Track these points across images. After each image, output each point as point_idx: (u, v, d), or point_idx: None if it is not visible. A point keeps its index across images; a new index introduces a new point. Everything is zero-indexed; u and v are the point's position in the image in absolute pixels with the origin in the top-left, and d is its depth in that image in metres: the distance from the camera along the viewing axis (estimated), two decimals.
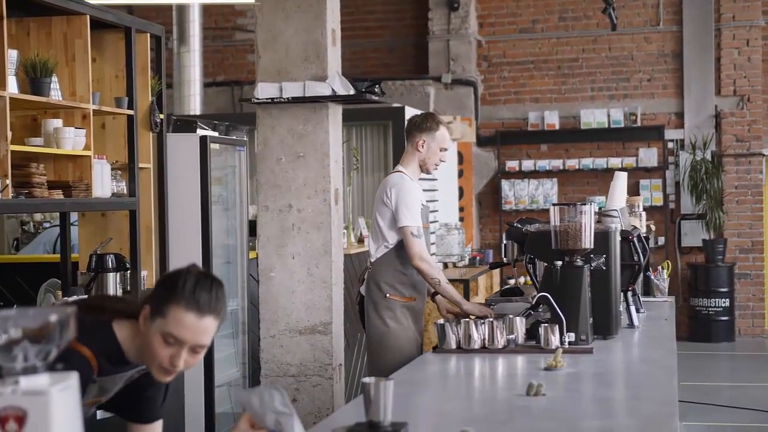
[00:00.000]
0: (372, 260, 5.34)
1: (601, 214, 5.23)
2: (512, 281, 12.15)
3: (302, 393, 5.61)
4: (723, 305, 12.10)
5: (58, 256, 6.00)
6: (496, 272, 11.13)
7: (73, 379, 1.86)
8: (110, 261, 5.60)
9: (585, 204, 4.47)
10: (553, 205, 4.50)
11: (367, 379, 2.73)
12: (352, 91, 6.08)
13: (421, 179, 5.42)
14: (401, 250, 5.21)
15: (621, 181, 5.54)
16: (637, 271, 5.04)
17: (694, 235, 12.45)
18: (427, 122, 5.35)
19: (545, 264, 4.58)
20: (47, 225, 8.18)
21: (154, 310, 2.55)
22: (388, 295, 5.23)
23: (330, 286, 6.12)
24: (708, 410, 8.54)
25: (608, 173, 12.52)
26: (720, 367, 11.17)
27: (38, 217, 7.87)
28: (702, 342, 12.04)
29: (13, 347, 1.83)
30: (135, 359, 2.67)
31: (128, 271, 5.75)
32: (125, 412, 2.87)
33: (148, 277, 5.99)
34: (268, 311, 5.64)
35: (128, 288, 5.80)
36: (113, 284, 5.62)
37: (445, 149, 5.37)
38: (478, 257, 11.05)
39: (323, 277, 6.10)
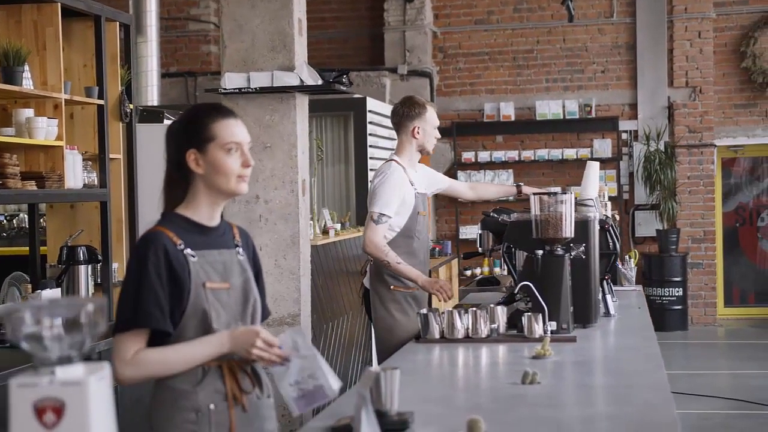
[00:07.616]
0: None
1: (578, 204, 5.26)
2: (478, 271, 12.22)
3: None
4: (676, 294, 12.25)
5: (27, 248, 5.91)
6: (455, 263, 11.18)
7: (106, 369, 1.84)
8: (82, 253, 5.52)
9: (565, 193, 4.49)
10: (534, 194, 4.52)
11: (374, 368, 2.72)
12: (320, 82, 6.05)
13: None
14: (403, 238, 5.20)
15: (593, 170, 5.57)
16: (613, 260, 5.08)
17: (647, 225, 12.59)
18: (415, 108, 5.37)
19: (525, 253, 4.60)
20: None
21: (200, 145, 2.85)
22: (392, 287, 5.24)
23: (298, 277, 6.09)
24: None
25: (563, 164, 12.64)
26: (674, 355, 11.28)
27: (12, 207, 7.73)
28: (656, 331, 12.12)
29: (47, 337, 1.81)
30: (207, 219, 2.89)
31: (99, 264, 5.68)
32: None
33: (119, 269, 5.92)
34: None
35: (99, 281, 5.72)
36: (84, 277, 5.54)
37: (437, 125, 5.46)
38: (437, 248, 11.08)
39: (291, 269, 6.06)
